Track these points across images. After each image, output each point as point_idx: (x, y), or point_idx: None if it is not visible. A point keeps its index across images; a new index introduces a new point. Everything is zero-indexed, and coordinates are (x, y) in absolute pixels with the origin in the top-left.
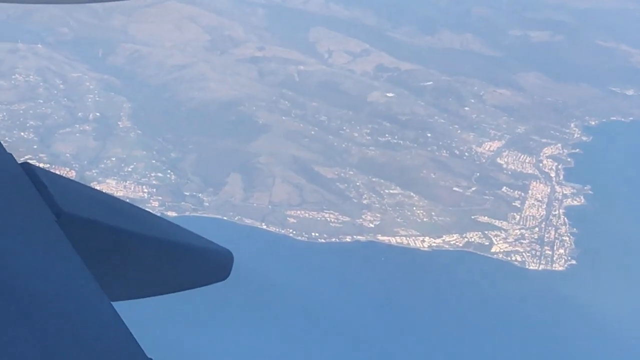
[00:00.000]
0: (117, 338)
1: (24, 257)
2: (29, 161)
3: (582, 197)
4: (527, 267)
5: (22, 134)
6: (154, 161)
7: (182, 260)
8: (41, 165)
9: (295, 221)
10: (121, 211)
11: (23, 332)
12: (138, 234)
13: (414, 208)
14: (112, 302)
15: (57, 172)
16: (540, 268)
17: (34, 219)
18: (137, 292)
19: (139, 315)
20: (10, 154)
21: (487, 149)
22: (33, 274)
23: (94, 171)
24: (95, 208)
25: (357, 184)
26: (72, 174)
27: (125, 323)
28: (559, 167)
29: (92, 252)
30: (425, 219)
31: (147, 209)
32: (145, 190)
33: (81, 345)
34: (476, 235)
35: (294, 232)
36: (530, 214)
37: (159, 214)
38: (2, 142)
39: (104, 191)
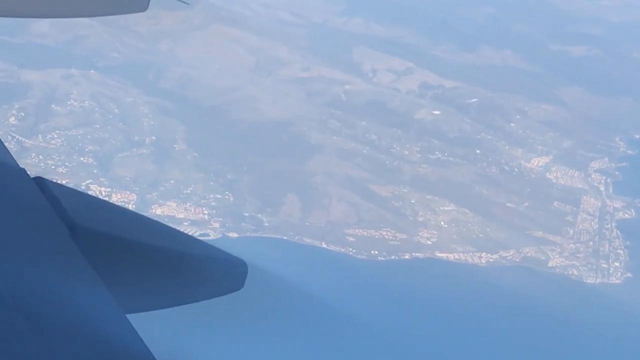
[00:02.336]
0: (132, 351)
1: (38, 271)
2: (90, 186)
3: (632, 210)
4: (584, 280)
5: (82, 158)
6: (211, 183)
7: (196, 271)
8: (103, 189)
9: (354, 240)
10: (134, 223)
11: (38, 345)
12: (151, 245)
13: (469, 224)
14: (126, 315)
15: (119, 196)
16: (597, 281)
17: (47, 232)
18: (151, 304)
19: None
20: (23, 169)
21: (535, 164)
22: (47, 288)
23: (154, 194)
24: (108, 220)
25: (412, 201)
26: (133, 197)
27: (140, 335)
28: (608, 180)
29: (105, 265)
30: (480, 235)
31: (171, 225)
32: (206, 212)
33: (97, 358)
34: (532, 250)
35: (354, 251)
36: (584, 228)
37: (220, 236)
38: (63, 166)
39: (117, 204)
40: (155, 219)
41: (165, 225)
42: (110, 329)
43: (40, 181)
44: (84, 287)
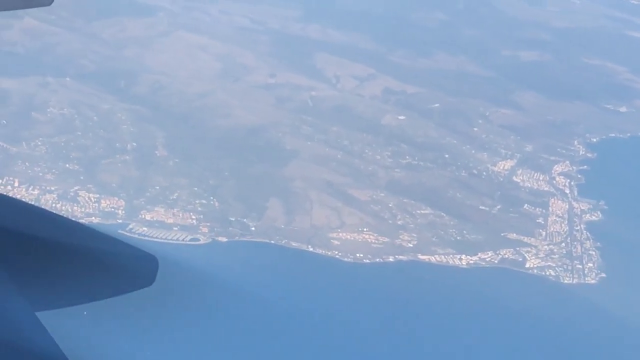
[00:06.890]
0: (43, 349)
1: None
2: (79, 192)
3: (599, 212)
4: (562, 281)
5: (67, 165)
6: (195, 188)
7: (103, 267)
8: (91, 196)
9: (339, 243)
10: (38, 219)
11: None
12: (58, 242)
13: (447, 227)
14: (36, 313)
15: (107, 202)
16: (574, 282)
17: None
18: (61, 301)
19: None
20: None
21: (502, 168)
22: None
23: (141, 200)
24: (11, 216)
25: (390, 205)
26: (121, 203)
27: (50, 333)
28: (572, 183)
29: (12, 263)
30: (458, 238)
31: (67, 216)
32: (193, 217)
33: (7, 358)
34: (509, 251)
35: (340, 254)
36: (555, 230)
37: (210, 240)
38: (50, 173)
39: (20, 198)
40: (146, 225)
41: (70, 220)
42: (20, 328)
43: None
44: None
